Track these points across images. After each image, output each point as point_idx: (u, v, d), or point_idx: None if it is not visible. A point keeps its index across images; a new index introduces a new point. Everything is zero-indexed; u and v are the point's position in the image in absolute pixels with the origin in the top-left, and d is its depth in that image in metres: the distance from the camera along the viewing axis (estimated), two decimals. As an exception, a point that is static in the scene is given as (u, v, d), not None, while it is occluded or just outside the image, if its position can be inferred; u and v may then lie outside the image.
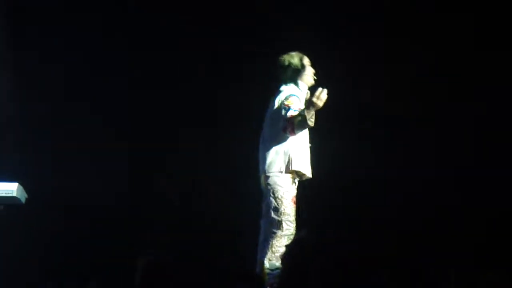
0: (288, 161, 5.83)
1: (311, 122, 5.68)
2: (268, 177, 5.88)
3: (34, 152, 7.26)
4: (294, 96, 5.88)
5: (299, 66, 6.01)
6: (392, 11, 7.21)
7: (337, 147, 7.16)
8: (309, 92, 5.91)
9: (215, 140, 7.30)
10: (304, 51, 6.05)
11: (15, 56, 7.25)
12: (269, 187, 5.87)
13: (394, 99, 7.24)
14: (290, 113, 5.77)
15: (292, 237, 5.80)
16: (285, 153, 5.84)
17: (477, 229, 6.92)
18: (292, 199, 5.87)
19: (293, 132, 5.79)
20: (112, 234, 7.09)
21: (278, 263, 5.74)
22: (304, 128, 5.76)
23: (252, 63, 7.08)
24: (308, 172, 5.95)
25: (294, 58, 6.03)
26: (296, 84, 6.00)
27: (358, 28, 7.26)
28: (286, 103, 5.84)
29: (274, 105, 5.95)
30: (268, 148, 5.90)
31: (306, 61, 6.05)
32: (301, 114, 5.69)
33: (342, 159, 7.22)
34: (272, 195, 5.85)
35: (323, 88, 5.64)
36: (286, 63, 6.03)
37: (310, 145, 6.02)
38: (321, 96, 5.60)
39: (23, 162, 6.99)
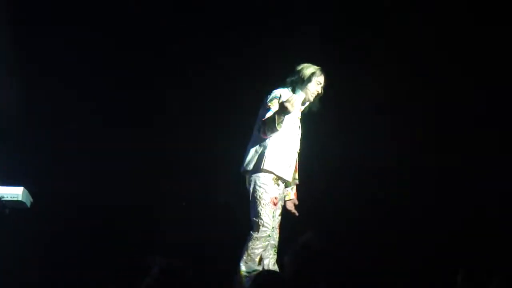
0: (262, 160, 5.80)
1: (279, 126, 5.70)
2: (249, 176, 5.87)
3: (39, 155, 7.26)
4: (277, 99, 5.84)
5: (306, 77, 5.99)
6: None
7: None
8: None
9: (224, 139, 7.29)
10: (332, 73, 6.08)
11: (19, 56, 7.25)
12: (249, 186, 5.86)
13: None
14: (267, 114, 5.79)
15: (268, 239, 5.79)
16: (261, 153, 5.82)
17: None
18: (271, 201, 5.82)
19: (264, 134, 5.80)
20: (121, 235, 7.12)
21: (255, 265, 5.76)
22: (273, 131, 5.75)
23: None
24: (286, 176, 5.90)
25: (309, 68, 6.03)
26: (294, 90, 5.97)
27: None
28: (268, 104, 5.85)
29: (262, 104, 5.96)
30: (249, 147, 5.91)
31: (318, 79, 6.02)
32: (272, 117, 5.71)
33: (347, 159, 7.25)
34: (251, 195, 5.84)
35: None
36: (299, 68, 6.04)
37: (298, 151, 6.02)
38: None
39: (28, 166, 7.01)
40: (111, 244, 7.05)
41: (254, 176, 5.82)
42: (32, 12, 7.32)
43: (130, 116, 7.41)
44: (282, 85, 5.99)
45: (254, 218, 5.80)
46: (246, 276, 5.72)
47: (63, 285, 6.56)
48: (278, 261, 5.87)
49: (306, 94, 6.01)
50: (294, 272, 3.96)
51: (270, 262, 5.89)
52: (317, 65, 6.05)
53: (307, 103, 6.08)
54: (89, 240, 7.06)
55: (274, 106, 5.80)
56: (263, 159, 5.80)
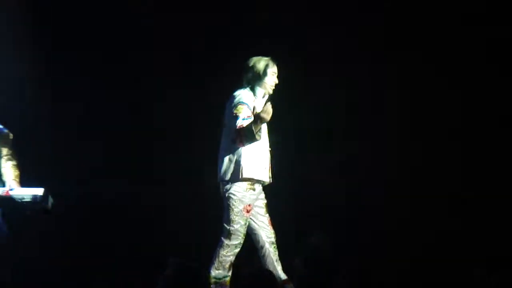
0: (239, 170, 5.76)
1: (258, 136, 5.67)
2: (223, 185, 5.84)
3: (60, 156, 7.32)
4: (242, 104, 5.79)
5: (261, 72, 5.91)
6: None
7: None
8: (265, 101, 5.87)
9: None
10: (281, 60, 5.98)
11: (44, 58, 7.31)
12: (224, 195, 5.83)
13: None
14: (238, 123, 5.72)
15: (239, 246, 5.80)
16: (236, 162, 5.78)
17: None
18: (244, 208, 5.80)
19: (241, 144, 5.75)
20: (139, 235, 7.16)
21: (225, 272, 5.77)
22: (253, 141, 5.70)
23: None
24: (264, 178, 5.89)
25: (260, 62, 5.94)
26: (253, 88, 5.91)
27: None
28: (234, 111, 5.78)
29: (226, 110, 5.89)
30: (222, 156, 5.85)
31: (272, 70, 5.94)
32: (249, 128, 5.66)
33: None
34: (225, 203, 5.82)
35: (269, 102, 5.66)
36: (250, 65, 5.95)
37: (270, 149, 5.97)
38: (268, 110, 5.60)
39: (49, 167, 7.07)
40: (129, 244, 7.08)
41: (228, 185, 5.80)
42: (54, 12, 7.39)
43: (150, 116, 7.44)
44: (239, 85, 5.93)
45: (226, 225, 5.80)
46: (216, 282, 5.75)
47: (83, 285, 6.60)
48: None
49: (265, 88, 5.94)
50: (309, 275, 3.94)
51: (273, 259, 5.88)
52: (266, 56, 5.97)
53: (266, 97, 5.98)
54: (109, 240, 7.10)
55: (242, 113, 5.74)
56: (240, 168, 5.77)
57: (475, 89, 7.07)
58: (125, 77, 7.28)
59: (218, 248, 5.79)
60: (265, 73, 5.91)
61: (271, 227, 5.97)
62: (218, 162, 5.86)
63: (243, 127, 5.69)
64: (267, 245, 5.91)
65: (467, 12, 7.01)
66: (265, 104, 5.68)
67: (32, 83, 7.21)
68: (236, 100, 5.82)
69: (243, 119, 5.73)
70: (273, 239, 5.95)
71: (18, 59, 7.10)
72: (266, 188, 5.98)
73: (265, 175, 5.91)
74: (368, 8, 7.13)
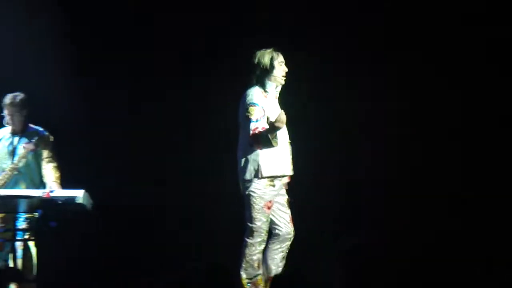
0: (258, 169, 5.73)
1: (275, 143, 5.65)
2: (243, 183, 5.81)
3: (100, 158, 7.38)
4: (253, 106, 5.74)
5: (268, 66, 5.83)
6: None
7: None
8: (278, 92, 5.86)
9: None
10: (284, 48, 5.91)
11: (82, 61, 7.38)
12: (244, 193, 5.80)
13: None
14: (252, 127, 5.69)
15: (263, 243, 5.78)
16: (254, 160, 5.74)
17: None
18: (265, 205, 5.77)
19: (259, 148, 5.71)
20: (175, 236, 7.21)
21: (255, 271, 5.75)
22: (270, 147, 5.67)
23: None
24: (285, 172, 5.86)
25: (264, 56, 5.85)
26: (263, 85, 5.84)
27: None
28: (246, 114, 5.75)
29: (240, 110, 5.86)
30: (240, 155, 5.83)
31: (278, 60, 5.87)
32: (264, 135, 5.64)
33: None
34: (246, 201, 5.80)
35: (282, 110, 5.62)
36: (256, 61, 5.86)
37: (289, 141, 5.92)
38: (282, 119, 5.57)
39: (89, 169, 7.14)
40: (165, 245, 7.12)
41: (247, 183, 5.77)
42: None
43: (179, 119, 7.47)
44: (249, 85, 5.87)
45: (248, 224, 5.78)
46: (248, 283, 5.74)
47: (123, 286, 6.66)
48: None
49: (276, 80, 5.88)
50: (349, 283, 3.90)
51: (279, 255, 5.85)
52: (268, 48, 5.90)
53: (279, 87, 5.94)
54: (149, 240, 7.16)
55: (254, 115, 5.71)
56: (259, 168, 5.73)
57: (475, 89, 6.98)
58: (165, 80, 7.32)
59: (243, 249, 5.78)
60: (272, 66, 5.84)
61: (292, 224, 5.94)
62: (237, 161, 5.85)
63: (259, 134, 5.67)
64: (283, 241, 5.87)
65: (467, 12, 6.93)
66: (279, 114, 5.63)
67: (71, 86, 7.26)
68: (247, 101, 5.78)
69: (256, 120, 5.70)
70: (291, 237, 5.92)
71: (55, 59, 7.17)
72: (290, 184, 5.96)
73: (287, 169, 5.87)
74: (368, 8, 7.09)
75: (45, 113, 6.96)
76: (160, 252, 7.00)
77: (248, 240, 5.77)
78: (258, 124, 5.71)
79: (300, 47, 6.76)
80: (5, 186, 6.60)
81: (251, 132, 5.69)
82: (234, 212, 6.15)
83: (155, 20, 7.35)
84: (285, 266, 5.84)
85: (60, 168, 6.69)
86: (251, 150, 5.76)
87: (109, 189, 6.98)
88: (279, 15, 7.11)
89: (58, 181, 6.60)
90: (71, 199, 6.12)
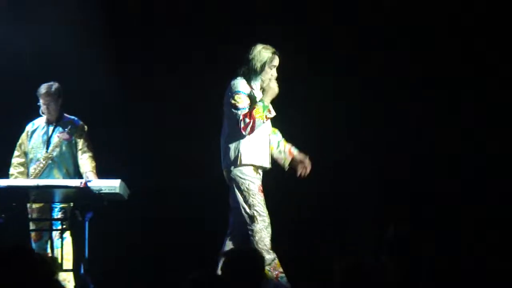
0: (239, 156, 5.73)
1: (268, 112, 5.70)
2: (228, 172, 5.79)
3: (136, 148, 7.38)
4: (239, 94, 5.75)
5: (260, 66, 5.81)
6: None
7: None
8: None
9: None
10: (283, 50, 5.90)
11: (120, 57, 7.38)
12: (232, 182, 5.77)
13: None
14: (242, 112, 5.70)
15: (269, 226, 5.72)
16: (235, 148, 5.74)
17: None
18: (258, 189, 5.75)
19: (251, 131, 5.70)
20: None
21: (270, 255, 5.68)
22: (263, 122, 5.71)
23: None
24: (264, 163, 5.84)
25: (262, 54, 5.82)
26: (250, 79, 5.83)
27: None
28: (232, 102, 5.74)
29: (224, 100, 5.86)
30: (223, 144, 5.84)
31: (271, 64, 5.83)
32: (261, 109, 5.68)
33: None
34: (237, 189, 5.75)
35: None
36: (252, 56, 5.82)
37: (269, 134, 5.91)
38: (273, 86, 5.69)
39: (125, 159, 7.14)
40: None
41: (234, 171, 5.75)
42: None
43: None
44: (235, 75, 5.85)
45: (249, 211, 5.72)
46: (268, 270, 5.67)
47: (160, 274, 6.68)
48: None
49: (262, 81, 5.85)
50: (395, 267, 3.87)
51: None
52: (270, 45, 5.87)
53: (262, 89, 5.90)
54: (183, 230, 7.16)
55: (241, 103, 5.72)
56: (239, 155, 5.72)
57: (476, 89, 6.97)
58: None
59: (251, 238, 5.70)
60: (262, 68, 5.83)
61: None
62: (220, 151, 5.86)
63: (252, 110, 5.67)
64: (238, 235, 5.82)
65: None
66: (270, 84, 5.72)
67: (105, 75, 7.26)
68: (233, 90, 5.78)
69: (244, 108, 5.71)
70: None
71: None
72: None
73: (266, 161, 5.86)
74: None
75: (79, 102, 6.98)
76: (195, 242, 7.01)
77: (254, 227, 5.70)
78: (245, 110, 5.71)
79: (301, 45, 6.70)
80: (39, 175, 6.63)
81: (241, 117, 5.69)
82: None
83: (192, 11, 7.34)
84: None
85: (96, 157, 6.71)
86: (233, 138, 5.77)
87: (143, 178, 6.97)
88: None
89: (94, 170, 6.61)
90: (108, 189, 6.15)
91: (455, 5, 6.98)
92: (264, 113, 5.72)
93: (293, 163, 5.98)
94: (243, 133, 5.70)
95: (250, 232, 5.70)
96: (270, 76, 5.84)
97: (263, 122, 5.75)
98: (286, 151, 6.00)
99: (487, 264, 6.27)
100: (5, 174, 6.63)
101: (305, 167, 5.95)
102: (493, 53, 6.94)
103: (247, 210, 5.71)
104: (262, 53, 5.83)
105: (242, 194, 5.73)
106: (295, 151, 6.01)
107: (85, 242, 6.06)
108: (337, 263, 3.66)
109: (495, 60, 6.93)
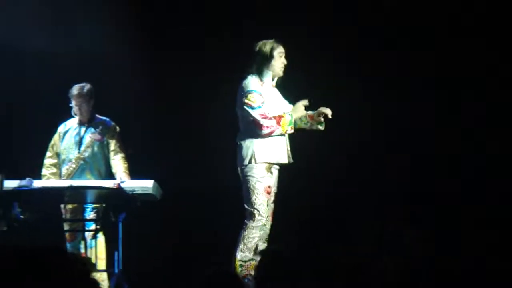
0: (253, 155, 5.76)
1: (291, 129, 5.77)
2: (241, 169, 5.83)
3: (169, 150, 7.38)
4: (253, 92, 5.78)
5: (268, 55, 5.85)
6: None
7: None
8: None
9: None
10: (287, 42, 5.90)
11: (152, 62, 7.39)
12: (243, 178, 5.82)
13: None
14: (259, 112, 5.73)
15: (264, 228, 5.75)
16: (249, 147, 5.79)
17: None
18: (265, 190, 5.77)
19: (268, 133, 5.74)
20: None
21: (250, 254, 5.73)
22: (285, 133, 5.79)
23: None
24: (280, 160, 5.86)
25: (266, 46, 5.88)
26: (261, 73, 5.85)
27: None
28: (246, 101, 5.77)
29: (237, 100, 5.88)
30: (238, 141, 5.88)
31: (278, 51, 5.88)
32: (288, 120, 5.74)
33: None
34: (245, 185, 5.80)
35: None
36: (257, 50, 5.88)
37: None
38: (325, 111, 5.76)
39: (158, 160, 7.14)
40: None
41: (246, 169, 5.79)
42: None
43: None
44: (246, 73, 5.87)
45: (248, 208, 5.77)
46: (241, 266, 5.71)
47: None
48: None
49: (274, 71, 5.89)
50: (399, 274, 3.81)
51: (260, 247, 5.78)
52: (270, 39, 5.91)
53: (276, 79, 5.95)
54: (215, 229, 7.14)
55: (256, 102, 5.75)
56: (253, 153, 5.76)
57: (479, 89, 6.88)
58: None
59: (242, 231, 5.77)
60: (271, 55, 5.86)
61: (271, 219, 5.89)
62: (236, 149, 5.90)
63: (279, 117, 5.73)
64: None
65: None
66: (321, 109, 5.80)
67: (137, 76, 7.27)
68: (245, 90, 5.81)
69: (259, 107, 5.75)
70: (268, 232, 5.87)
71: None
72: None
73: (283, 157, 5.88)
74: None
75: (111, 103, 7.00)
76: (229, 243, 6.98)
77: (248, 223, 5.77)
78: (262, 110, 5.75)
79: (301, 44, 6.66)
80: (72, 176, 6.64)
81: (260, 117, 5.72)
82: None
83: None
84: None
85: (128, 158, 6.71)
86: (247, 137, 5.81)
87: (174, 179, 6.96)
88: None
89: (127, 171, 6.61)
90: (141, 190, 6.16)
91: (455, 5, 6.94)
92: (288, 126, 5.79)
93: (317, 120, 5.99)
94: (261, 131, 5.74)
95: (244, 226, 5.78)
96: (281, 65, 5.90)
97: (281, 134, 5.82)
98: (308, 119, 6.01)
99: (487, 264, 6.19)
100: (38, 175, 6.64)
101: (323, 113, 5.92)
102: (493, 53, 6.89)
103: (249, 206, 5.78)
104: (265, 44, 5.89)
105: (247, 190, 5.78)
106: (312, 113, 6.02)
107: (119, 243, 6.08)
108: (338, 263, 3.62)
109: (495, 60, 6.89)
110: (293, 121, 5.83)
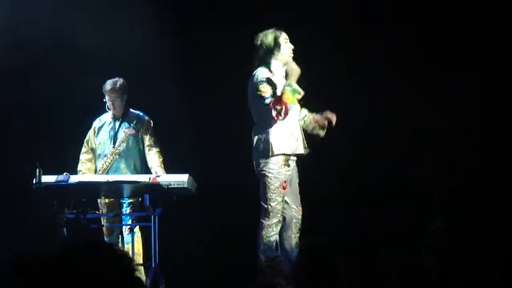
0: (269, 147, 5.69)
1: (298, 93, 5.62)
2: (258, 164, 5.77)
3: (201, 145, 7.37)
4: (263, 83, 5.70)
5: (272, 46, 5.77)
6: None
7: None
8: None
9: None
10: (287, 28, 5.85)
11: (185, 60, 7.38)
12: (259, 174, 5.76)
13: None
14: (269, 101, 5.65)
15: (279, 224, 5.72)
16: (265, 140, 5.71)
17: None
18: (280, 185, 5.71)
19: (284, 117, 5.63)
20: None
21: (273, 253, 5.69)
22: (294, 105, 5.65)
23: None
24: (297, 150, 5.79)
25: (267, 36, 5.80)
26: (268, 64, 5.79)
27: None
28: (258, 93, 5.71)
29: (248, 93, 5.83)
30: (253, 136, 5.81)
31: (282, 38, 5.81)
32: (289, 92, 5.58)
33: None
34: (261, 181, 5.74)
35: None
36: (259, 43, 5.80)
37: (299, 119, 5.90)
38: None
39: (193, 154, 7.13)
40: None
41: (262, 162, 5.73)
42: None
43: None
44: (255, 67, 5.81)
45: (263, 204, 5.73)
46: (268, 266, 5.67)
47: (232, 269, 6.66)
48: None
49: (283, 59, 5.81)
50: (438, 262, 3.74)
51: (291, 243, 5.79)
52: (269, 29, 5.84)
53: (285, 67, 5.83)
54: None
55: (267, 92, 5.67)
56: (269, 146, 5.69)
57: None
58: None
59: (259, 231, 5.73)
60: (277, 44, 5.80)
61: (300, 209, 5.88)
62: (250, 143, 5.84)
63: (280, 95, 5.60)
64: (292, 226, 5.82)
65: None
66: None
67: (170, 72, 7.27)
68: (256, 81, 5.75)
69: (271, 96, 5.67)
70: (298, 221, 5.84)
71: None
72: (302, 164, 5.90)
73: (299, 147, 5.82)
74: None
75: (145, 97, 7.01)
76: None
77: (264, 221, 5.73)
78: (273, 99, 5.66)
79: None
80: (107, 171, 6.67)
81: (270, 105, 5.63)
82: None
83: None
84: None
85: (162, 152, 6.71)
86: (262, 129, 5.75)
87: (208, 173, 6.95)
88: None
89: (162, 165, 6.62)
90: (177, 183, 6.17)
91: (455, 4, 6.88)
92: (295, 96, 5.65)
93: (322, 124, 5.98)
94: (278, 119, 5.65)
95: (260, 224, 5.75)
96: (289, 50, 5.83)
97: (295, 105, 5.72)
98: (312, 120, 6.00)
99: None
100: (74, 171, 6.67)
101: (328, 118, 5.93)
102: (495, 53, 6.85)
103: (264, 202, 5.74)
104: (267, 33, 5.83)
105: (264, 186, 5.73)
106: (317, 116, 6.00)
107: (156, 237, 6.10)
108: (380, 259, 3.56)
109: (496, 60, 6.83)
110: (295, 88, 5.63)
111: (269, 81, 5.72)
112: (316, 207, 6.25)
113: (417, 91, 6.92)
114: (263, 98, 5.69)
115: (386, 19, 7.02)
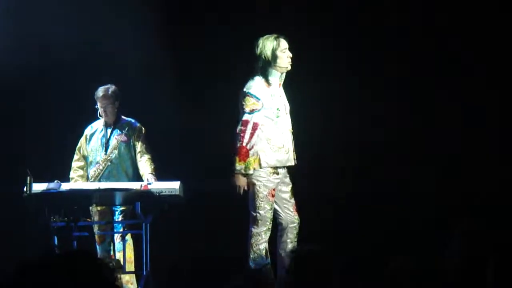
0: (258, 160, 5.68)
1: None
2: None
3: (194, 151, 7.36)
4: (251, 97, 5.69)
5: (270, 57, 5.72)
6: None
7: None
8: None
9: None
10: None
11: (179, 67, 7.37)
12: (250, 181, 5.75)
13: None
14: (243, 118, 5.68)
15: (268, 232, 5.72)
16: (254, 152, 5.70)
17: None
18: (269, 193, 5.71)
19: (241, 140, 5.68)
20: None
21: (263, 261, 5.70)
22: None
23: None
24: (286, 163, 5.78)
25: (266, 47, 5.73)
26: (266, 75, 5.74)
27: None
28: (242, 102, 5.73)
29: (239, 99, 5.81)
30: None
31: (281, 48, 5.74)
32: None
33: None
34: (250, 190, 5.73)
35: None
36: (258, 52, 5.75)
37: (291, 130, 5.85)
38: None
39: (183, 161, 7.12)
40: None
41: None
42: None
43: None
44: (252, 75, 5.78)
45: (252, 212, 5.73)
46: (256, 274, 5.56)
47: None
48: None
49: (281, 69, 5.77)
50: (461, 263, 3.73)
51: (289, 247, 5.76)
52: (270, 34, 5.79)
53: (284, 74, 5.83)
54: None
55: (248, 106, 5.67)
56: (258, 158, 5.69)
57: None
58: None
59: (248, 239, 5.74)
60: (274, 56, 5.74)
61: (296, 213, 5.85)
62: None
63: (241, 139, 5.66)
64: (289, 231, 5.80)
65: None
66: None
67: (161, 75, 7.26)
68: (246, 90, 5.75)
69: (250, 112, 5.67)
70: (296, 226, 5.83)
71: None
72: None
73: (289, 159, 5.80)
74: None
75: (137, 104, 7.00)
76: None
77: (253, 229, 5.73)
78: (250, 117, 5.67)
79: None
80: (99, 178, 6.65)
81: (240, 124, 5.68)
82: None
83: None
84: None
85: (154, 159, 6.69)
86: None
87: (200, 180, 6.94)
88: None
89: (154, 173, 6.60)
90: (168, 191, 6.15)
91: (456, 5, 6.89)
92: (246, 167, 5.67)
93: None
94: (237, 137, 5.69)
95: (249, 232, 5.75)
96: (287, 60, 5.78)
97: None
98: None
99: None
100: (66, 178, 6.66)
101: None
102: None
103: (252, 211, 5.74)
104: (266, 42, 5.76)
105: (252, 194, 5.73)
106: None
107: (147, 244, 6.08)
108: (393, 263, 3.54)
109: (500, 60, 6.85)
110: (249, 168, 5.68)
111: (258, 98, 5.71)
112: (316, 209, 6.24)
113: (417, 91, 6.91)
114: (243, 110, 5.73)
115: (386, 19, 7.01)
